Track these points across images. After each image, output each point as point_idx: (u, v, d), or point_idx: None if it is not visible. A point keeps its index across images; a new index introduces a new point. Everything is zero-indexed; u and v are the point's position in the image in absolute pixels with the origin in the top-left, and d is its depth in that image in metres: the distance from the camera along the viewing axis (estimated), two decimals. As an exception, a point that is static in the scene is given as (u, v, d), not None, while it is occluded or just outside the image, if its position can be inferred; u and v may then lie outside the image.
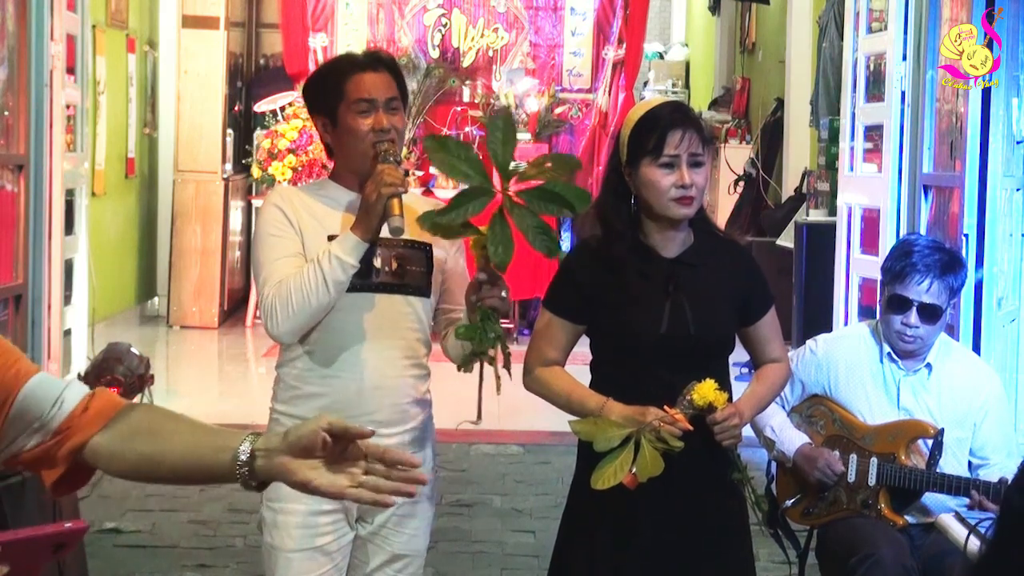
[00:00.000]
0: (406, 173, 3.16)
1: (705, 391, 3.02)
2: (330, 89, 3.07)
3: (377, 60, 3.11)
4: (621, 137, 3.20)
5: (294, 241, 3.02)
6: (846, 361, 3.90)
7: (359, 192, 3.04)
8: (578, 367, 3.27)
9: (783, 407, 3.94)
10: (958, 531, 3.34)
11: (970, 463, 3.85)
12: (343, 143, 3.07)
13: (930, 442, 3.75)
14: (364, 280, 2.99)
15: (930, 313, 3.76)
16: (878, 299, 4.01)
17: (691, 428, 3.01)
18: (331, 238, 2.99)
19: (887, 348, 3.85)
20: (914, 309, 3.77)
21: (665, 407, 3.02)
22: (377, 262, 3.01)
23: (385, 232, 2.96)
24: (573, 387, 3.19)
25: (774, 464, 3.97)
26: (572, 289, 3.20)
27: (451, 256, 3.17)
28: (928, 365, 3.85)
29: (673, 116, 3.12)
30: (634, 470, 2.97)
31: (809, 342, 4.05)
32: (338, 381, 3.04)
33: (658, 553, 3.13)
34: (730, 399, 3.14)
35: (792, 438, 3.86)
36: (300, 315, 2.96)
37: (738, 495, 3.18)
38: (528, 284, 8.46)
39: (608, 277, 3.15)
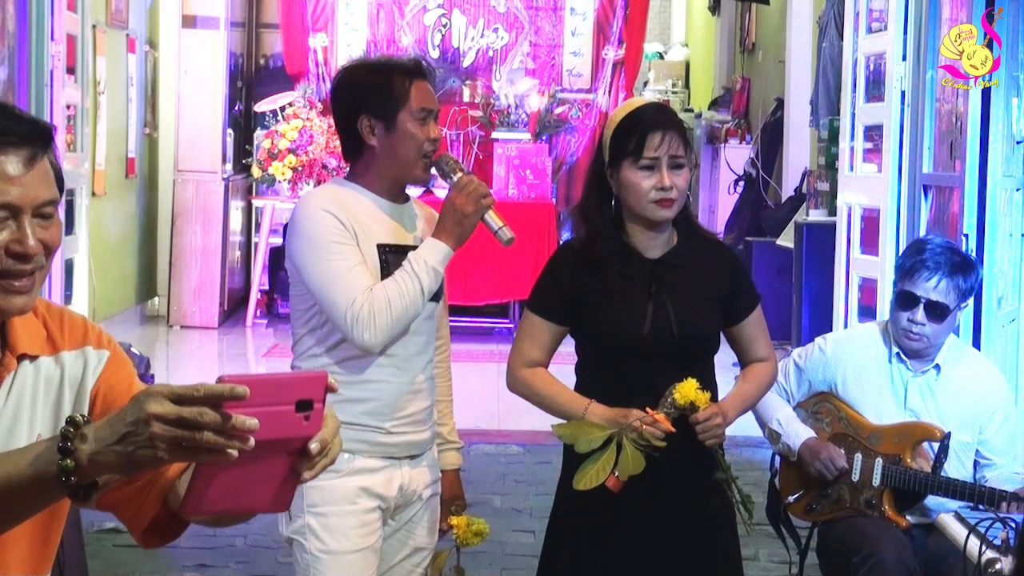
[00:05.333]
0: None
1: (686, 391, 3.02)
2: (393, 92, 3.01)
3: (429, 71, 3.10)
4: (603, 138, 3.20)
5: (356, 249, 2.97)
6: (855, 361, 3.90)
7: (387, 199, 3.05)
8: (564, 367, 3.26)
9: (788, 402, 3.94)
10: (958, 531, 3.34)
11: (976, 462, 3.86)
12: (394, 148, 3.02)
13: (936, 445, 3.75)
14: None
15: (937, 311, 3.76)
16: (878, 299, 4.02)
17: (673, 430, 3.01)
18: (381, 247, 2.99)
19: (896, 349, 3.85)
20: (921, 306, 3.77)
21: (647, 409, 3.02)
22: None
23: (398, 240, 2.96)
24: (557, 390, 3.19)
25: (777, 458, 3.97)
26: (554, 290, 3.21)
27: None
28: (937, 367, 3.85)
29: (654, 118, 3.12)
30: (616, 472, 2.97)
31: (818, 340, 4.05)
32: (380, 386, 3.03)
33: (642, 554, 3.13)
34: (714, 399, 3.14)
35: (798, 431, 3.85)
36: (398, 324, 2.96)
37: (721, 495, 3.18)
38: (528, 284, 8.46)
39: (590, 278, 3.15)
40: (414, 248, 3.04)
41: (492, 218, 2.99)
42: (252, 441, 1.51)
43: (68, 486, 1.58)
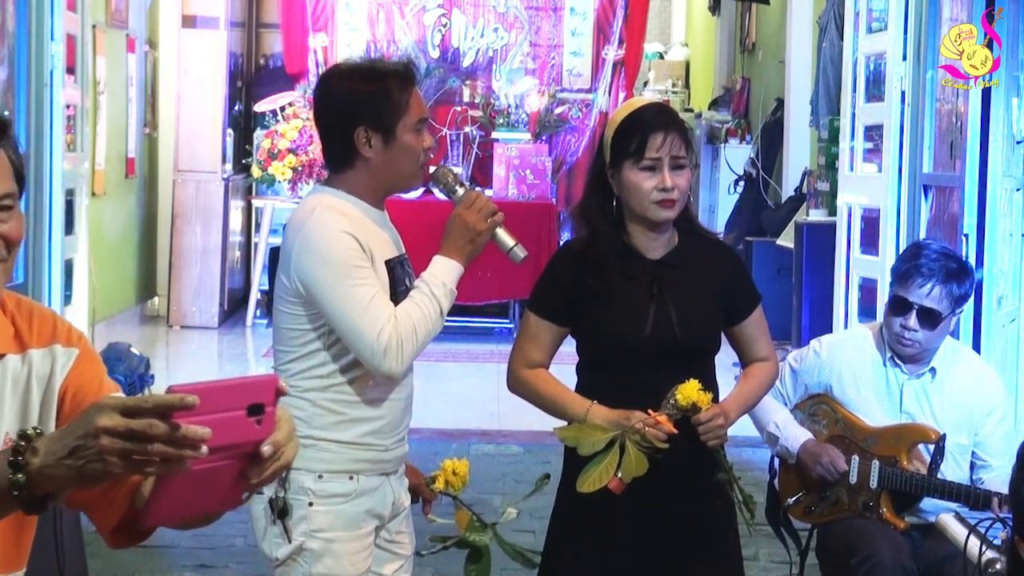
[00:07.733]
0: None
1: (689, 391, 3.02)
2: (392, 103, 2.92)
3: (418, 72, 3.04)
4: (604, 138, 3.19)
5: (373, 271, 2.89)
6: (849, 364, 3.89)
7: (376, 207, 2.99)
8: (565, 367, 3.26)
9: (785, 405, 3.94)
10: (958, 531, 3.34)
11: (973, 464, 3.85)
12: (393, 160, 2.94)
13: (931, 447, 3.75)
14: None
15: (929, 318, 3.74)
16: (878, 299, 4.02)
17: (675, 431, 3.00)
18: (388, 263, 2.93)
19: (889, 353, 3.84)
20: (914, 312, 3.75)
21: (649, 410, 3.02)
22: (407, 281, 3.00)
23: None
24: (558, 391, 3.18)
25: (776, 460, 3.97)
26: (556, 291, 3.20)
27: None
28: (932, 370, 3.84)
29: (656, 118, 3.12)
30: (619, 474, 2.97)
31: (813, 343, 4.04)
32: (389, 404, 2.98)
33: (644, 555, 3.13)
34: (716, 399, 3.14)
35: (796, 434, 3.85)
36: (421, 350, 2.92)
37: (724, 495, 3.17)
38: (528, 284, 8.46)
39: (592, 279, 3.14)
40: (404, 255, 3.02)
41: (504, 236, 2.95)
42: (205, 449, 1.49)
43: (20, 499, 1.57)
